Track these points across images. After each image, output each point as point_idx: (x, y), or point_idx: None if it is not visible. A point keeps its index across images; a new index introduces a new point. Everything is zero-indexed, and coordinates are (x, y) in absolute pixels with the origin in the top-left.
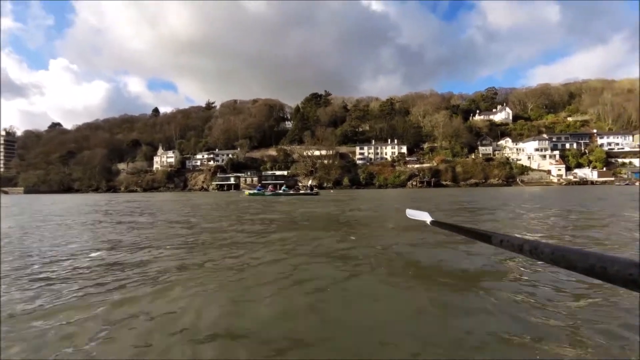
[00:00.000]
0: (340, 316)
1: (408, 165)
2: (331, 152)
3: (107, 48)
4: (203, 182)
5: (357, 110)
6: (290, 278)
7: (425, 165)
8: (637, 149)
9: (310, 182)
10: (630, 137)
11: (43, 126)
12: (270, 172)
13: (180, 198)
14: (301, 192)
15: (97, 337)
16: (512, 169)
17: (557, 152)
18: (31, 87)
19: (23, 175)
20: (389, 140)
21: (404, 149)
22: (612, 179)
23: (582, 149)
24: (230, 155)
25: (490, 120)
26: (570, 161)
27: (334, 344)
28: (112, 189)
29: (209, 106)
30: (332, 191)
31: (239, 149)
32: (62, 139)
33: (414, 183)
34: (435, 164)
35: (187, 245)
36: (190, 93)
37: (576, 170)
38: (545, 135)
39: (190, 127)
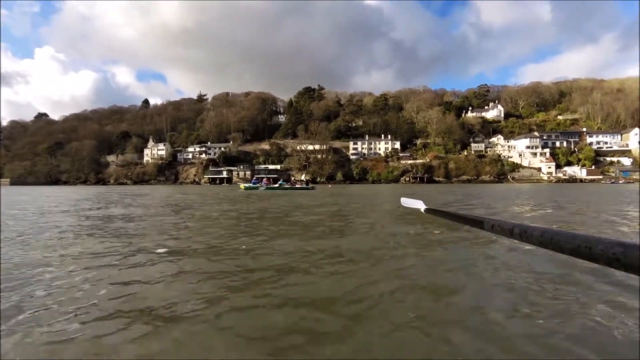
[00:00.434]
0: None
1: (401, 161)
2: (325, 146)
3: (96, 36)
4: (195, 175)
5: (350, 105)
6: None
7: (418, 161)
8: (626, 148)
9: (303, 176)
10: (619, 136)
11: (28, 117)
12: (263, 166)
13: (174, 192)
14: (297, 186)
15: None
16: (503, 166)
17: (547, 150)
18: (16, 76)
19: (9, 166)
20: (383, 135)
21: (398, 145)
22: (601, 177)
23: (572, 147)
24: (222, 149)
25: (482, 118)
26: (560, 159)
27: None
28: (102, 181)
29: (201, 98)
30: (329, 186)
31: (231, 142)
32: (50, 130)
33: (407, 179)
34: (428, 160)
35: None
36: (181, 85)
37: (566, 168)
38: (536, 133)
39: (181, 120)
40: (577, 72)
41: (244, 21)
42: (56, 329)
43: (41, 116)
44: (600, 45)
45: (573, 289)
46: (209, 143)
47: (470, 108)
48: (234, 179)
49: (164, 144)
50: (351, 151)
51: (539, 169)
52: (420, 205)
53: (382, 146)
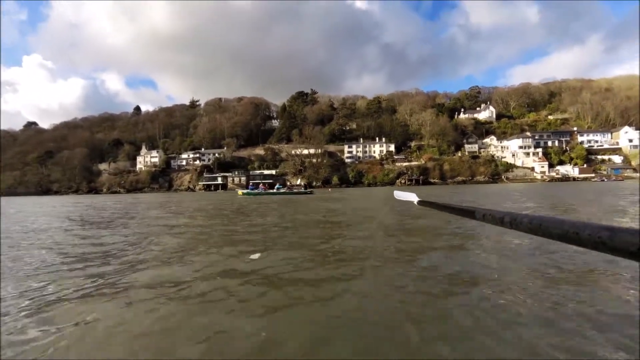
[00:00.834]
0: None
1: (396, 164)
2: (319, 150)
3: (84, 43)
4: (189, 182)
5: (344, 108)
6: None
7: (413, 163)
8: (616, 146)
9: (299, 180)
10: (609, 135)
11: (17, 125)
12: (258, 172)
13: (168, 199)
14: (295, 190)
15: None
16: (497, 167)
17: (539, 150)
18: (4, 85)
19: None
20: (377, 138)
21: (392, 147)
22: (593, 175)
23: (564, 146)
24: (216, 155)
25: (474, 119)
26: (552, 158)
27: None
28: (94, 190)
29: (193, 104)
30: (329, 189)
31: (225, 148)
32: (40, 139)
33: (403, 181)
34: (423, 162)
35: None
36: (172, 91)
37: (558, 167)
38: (528, 133)
39: (174, 126)
40: (564, 73)
41: (233, 26)
42: None
43: (30, 125)
44: (587, 46)
45: None
46: (202, 149)
47: (462, 110)
48: (229, 185)
49: (157, 151)
50: (346, 154)
51: (532, 169)
52: (413, 198)
53: (377, 149)
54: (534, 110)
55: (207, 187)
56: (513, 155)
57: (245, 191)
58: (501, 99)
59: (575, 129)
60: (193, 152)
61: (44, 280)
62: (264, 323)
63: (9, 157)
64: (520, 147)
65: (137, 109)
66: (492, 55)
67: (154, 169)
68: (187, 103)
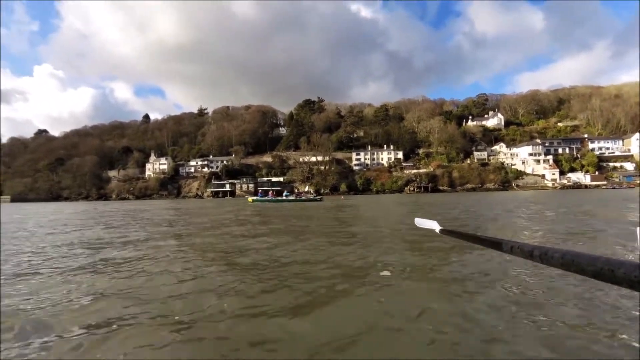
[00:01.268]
0: None
1: (405, 171)
2: (327, 158)
3: (94, 54)
4: (197, 189)
5: (351, 116)
6: None
7: (422, 170)
8: (628, 153)
9: (307, 187)
10: (620, 142)
11: (28, 133)
12: (266, 179)
13: (179, 206)
14: (303, 198)
15: None
16: (507, 174)
17: (550, 157)
18: (15, 94)
19: (9, 183)
20: (385, 145)
21: (400, 155)
22: (605, 182)
23: (575, 153)
24: (225, 162)
25: (483, 126)
26: (563, 165)
27: None
28: (104, 196)
29: (201, 112)
30: (342, 197)
31: (233, 155)
32: (50, 146)
33: (412, 188)
34: (432, 169)
35: None
36: (179, 99)
37: (570, 175)
38: (538, 140)
39: (182, 134)
40: (571, 80)
41: (238, 36)
42: None
43: (41, 133)
44: (593, 52)
45: None
46: (210, 157)
47: (470, 117)
48: (237, 191)
49: (166, 158)
50: (354, 162)
51: (543, 176)
52: (435, 226)
53: (385, 156)
54: (542, 117)
55: (215, 194)
56: (523, 162)
57: (255, 198)
58: (509, 106)
59: (585, 135)
60: (201, 159)
61: None
62: None
63: (20, 164)
64: (530, 154)
65: (146, 117)
66: (498, 62)
67: (162, 176)
68: (195, 111)
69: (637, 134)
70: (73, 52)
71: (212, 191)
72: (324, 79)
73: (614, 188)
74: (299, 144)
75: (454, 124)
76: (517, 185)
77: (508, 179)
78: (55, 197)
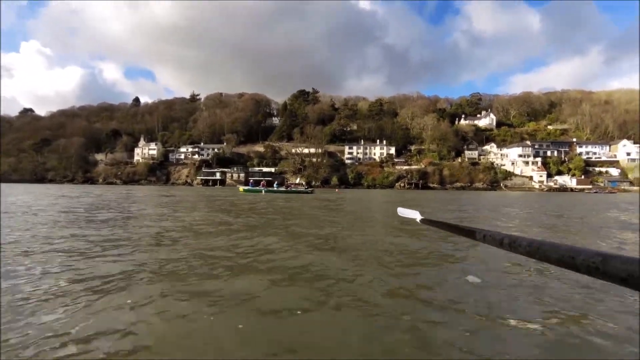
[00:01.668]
0: None
1: (396, 167)
2: (320, 150)
3: (84, 31)
4: (187, 176)
5: (346, 109)
6: None
7: (413, 167)
8: (614, 159)
9: (298, 179)
10: (607, 147)
11: (12, 111)
12: (257, 169)
13: (185, 193)
14: (294, 189)
15: None
16: (496, 174)
17: (539, 159)
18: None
19: None
20: (378, 140)
21: (392, 150)
22: (590, 186)
23: (562, 156)
24: (216, 150)
25: (475, 125)
26: (551, 168)
27: None
28: (90, 180)
29: (194, 98)
30: (337, 190)
31: (225, 143)
32: (36, 126)
33: (402, 184)
34: (423, 166)
35: None
36: (170, 83)
37: (556, 177)
38: (528, 142)
39: (173, 119)
40: (563, 83)
41: (235, 20)
42: None
43: (27, 111)
44: (587, 57)
45: None
46: (202, 144)
47: (463, 116)
48: (228, 180)
49: (156, 144)
50: (346, 155)
51: (531, 178)
52: (416, 216)
53: (377, 151)
54: (534, 119)
55: (205, 182)
56: (512, 163)
57: (246, 188)
58: (502, 107)
59: (574, 140)
60: (192, 146)
61: None
62: None
63: (5, 143)
64: (520, 156)
65: (137, 100)
66: (493, 62)
67: (151, 161)
68: (187, 96)
69: (624, 140)
70: (62, 28)
71: (202, 179)
72: (319, 69)
73: (596, 192)
74: (292, 134)
75: (447, 122)
76: (506, 186)
77: (497, 179)
78: (40, 179)
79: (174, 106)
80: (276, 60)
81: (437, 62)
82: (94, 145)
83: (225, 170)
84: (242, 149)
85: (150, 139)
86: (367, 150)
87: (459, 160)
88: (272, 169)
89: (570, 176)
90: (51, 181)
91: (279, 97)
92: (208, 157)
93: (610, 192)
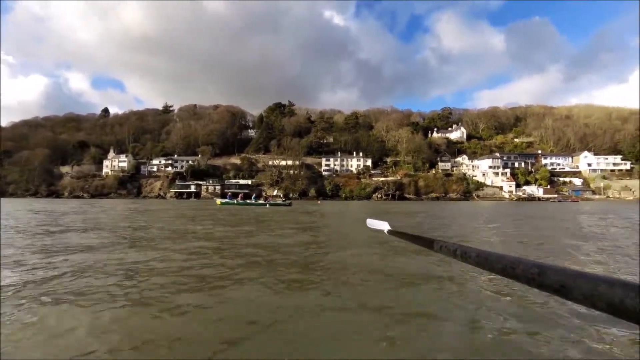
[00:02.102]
0: None
1: (373, 178)
2: (297, 162)
3: (50, 38)
4: (160, 189)
5: (322, 121)
6: None
7: (389, 178)
8: (576, 169)
9: (276, 191)
10: (570, 159)
11: None
12: (233, 181)
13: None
14: (272, 202)
15: None
16: (469, 185)
17: (507, 170)
18: None
19: None
20: (354, 153)
21: (369, 162)
22: (556, 195)
23: (529, 167)
24: (190, 162)
25: (447, 138)
26: (519, 178)
27: None
28: (54, 193)
29: (167, 109)
30: (318, 202)
31: (200, 155)
32: None
33: (379, 195)
34: (399, 178)
35: None
36: (141, 94)
37: (525, 187)
38: (497, 154)
39: (145, 130)
40: (526, 99)
41: (208, 32)
42: None
43: None
44: (548, 74)
45: None
46: (175, 156)
47: (435, 129)
48: (203, 193)
49: (126, 156)
50: (323, 167)
51: (501, 188)
52: (384, 227)
53: (354, 163)
54: (501, 132)
55: (179, 195)
56: (483, 174)
57: (223, 200)
58: (471, 121)
59: (539, 152)
60: (165, 158)
61: None
62: None
63: None
64: (490, 167)
65: (106, 110)
66: (461, 78)
67: (122, 174)
68: (159, 107)
69: (585, 152)
70: (26, 36)
71: (175, 192)
72: (294, 83)
73: (559, 201)
74: (269, 147)
75: (421, 135)
76: (478, 196)
77: (469, 189)
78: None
79: (145, 117)
80: (250, 73)
81: (408, 77)
82: (59, 157)
83: (201, 182)
84: (218, 161)
85: (120, 150)
86: (344, 162)
87: (433, 171)
88: (249, 181)
89: (537, 186)
90: (12, 195)
91: (254, 109)
92: (182, 170)
93: (573, 201)
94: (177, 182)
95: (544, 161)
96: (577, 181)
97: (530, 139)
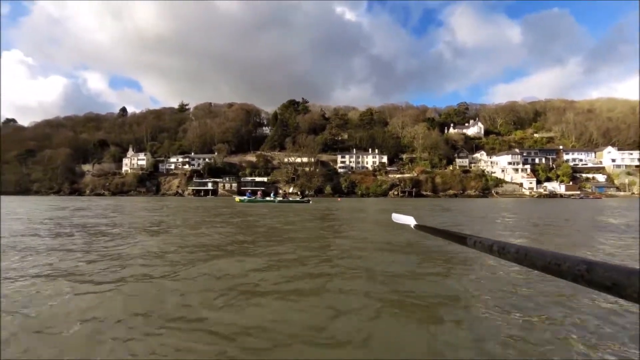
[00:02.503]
0: None
1: (389, 175)
2: (312, 159)
3: (67, 40)
4: (178, 186)
5: (336, 118)
6: None
7: (406, 175)
8: (599, 165)
9: (291, 189)
10: (593, 154)
11: None
12: (249, 178)
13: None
14: (290, 199)
15: None
16: (487, 181)
17: (528, 166)
18: None
19: None
20: (370, 149)
21: (385, 159)
22: (579, 192)
23: (550, 164)
24: (207, 160)
25: (464, 134)
26: (540, 175)
27: None
28: (77, 191)
29: (182, 108)
30: (339, 199)
31: (216, 153)
32: (19, 137)
33: (396, 193)
34: (415, 175)
35: None
36: (156, 93)
37: (546, 184)
38: (517, 150)
39: (162, 129)
40: (544, 93)
41: (221, 31)
42: None
43: (9, 122)
44: (567, 67)
45: None
46: (192, 154)
47: (452, 125)
48: (220, 190)
49: (145, 154)
50: (339, 164)
51: (521, 185)
52: (410, 222)
53: (370, 160)
54: (520, 127)
55: (197, 193)
56: (502, 170)
57: (242, 198)
58: (488, 116)
59: (560, 147)
60: (182, 156)
61: None
62: None
63: None
64: (510, 163)
65: (124, 110)
66: (476, 72)
67: (141, 172)
68: (175, 106)
69: (609, 147)
70: (44, 38)
71: (193, 189)
72: (306, 80)
73: (581, 198)
74: (284, 144)
75: (437, 131)
76: (497, 193)
77: (488, 186)
78: (24, 191)
79: (162, 116)
80: (262, 71)
81: (422, 72)
82: (80, 156)
83: (217, 180)
84: (234, 159)
85: (138, 149)
86: (360, 159)
87: (451, 168)
88: (265, 179)
89: (559, 182)
90: (36, 193)
91: (267, 106)
92: (199, 167)
93: (595, 198)
94: (195, 180)
95: (565, 157)
96: (601, 177)
97: (551, 134)
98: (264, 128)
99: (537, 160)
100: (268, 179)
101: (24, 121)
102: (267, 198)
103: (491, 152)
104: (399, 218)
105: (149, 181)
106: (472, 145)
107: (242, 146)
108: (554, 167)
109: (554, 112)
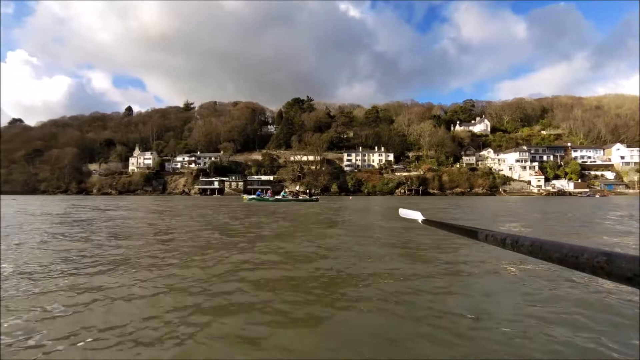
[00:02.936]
0: None
1: (396, 173)
2: (318, 157)
3: (71, 40)
4: (184, 185)
5: (342, 116)
6: None
7: (412, 173)
8: (608, 163)
9: (298, 187)
10: (601, 151)
11: None
12: (255, 177)
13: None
14: (300, 198)
15: None
16: (495, 179)
17: (535, 164)
18: None
19: None
20: (376, 147)
21: (391, 157)
22: (587, 190)
23: (558, 161)
24: (213, 159)
25: (470, 131)
26: (548, 172)
27: None
28: (84, 191)
29: (188, 107)
30: (350, 198)
31: (222, 152)
32: (26, 136)
33: (402, 191)
34: (422, 173)
35: None
36: (161, 92)
37: (554, 181)
38: (524, 147)
39: (168, 128)
40: (550, 89)
41: (225, 29)
42: None
43: (15, 122)
44: (573, 63)
45: None
46: (198, 152)
47: (458, 122)
48: (226, 189)
49: (151, 153)
50: (345, 163)
51: (529, 182)
52: (418, 216)
53: (376, 158)
54: (527, 124)
55: (203, 192)
56: (510, 168)
57: (251, 197)
58: (495, 113)
59: (569, 144)
60: (188, 155)
61: None
62: None
63: None
64: (517, 161)
65: (129, 109)
66: (481, 68)
67: (147, 171)
68: (180, 105)
69: (618, 144)
70: (49, 37)
71: (199, 188)
72: (311, 78)
73: (588, 196)
74: (289, 142)
75: (444, 128)
76: (505, 191)
77: (496, 184)
78: (32, 190)
79: (168, 115)
80: (267, 69)
81: (426, 68)
82: (87, 156)
83: (224, 179)
84: (240, 157)
85: (145, 148)
86: (366, 157)
87: (458, 166)
88: (271, 177)
89: (567, 180)
90: (44, 192)
91: (272, 105)
92: (205, 166)
93: (602, 195)
94: (201, 179)
95: (573, 154)
96: (610, 175)
97: (559, 131)
98: (269, 126)
99: (544, 158)
100: (274, 178)
101: (31, 121)
102: (278, 197)
103: (498, 149)
104: (406, 213)
105: (155, 180)
106: (479, 142)
107: (247, 145)
108: (562, 164)
109: (562, 109)
